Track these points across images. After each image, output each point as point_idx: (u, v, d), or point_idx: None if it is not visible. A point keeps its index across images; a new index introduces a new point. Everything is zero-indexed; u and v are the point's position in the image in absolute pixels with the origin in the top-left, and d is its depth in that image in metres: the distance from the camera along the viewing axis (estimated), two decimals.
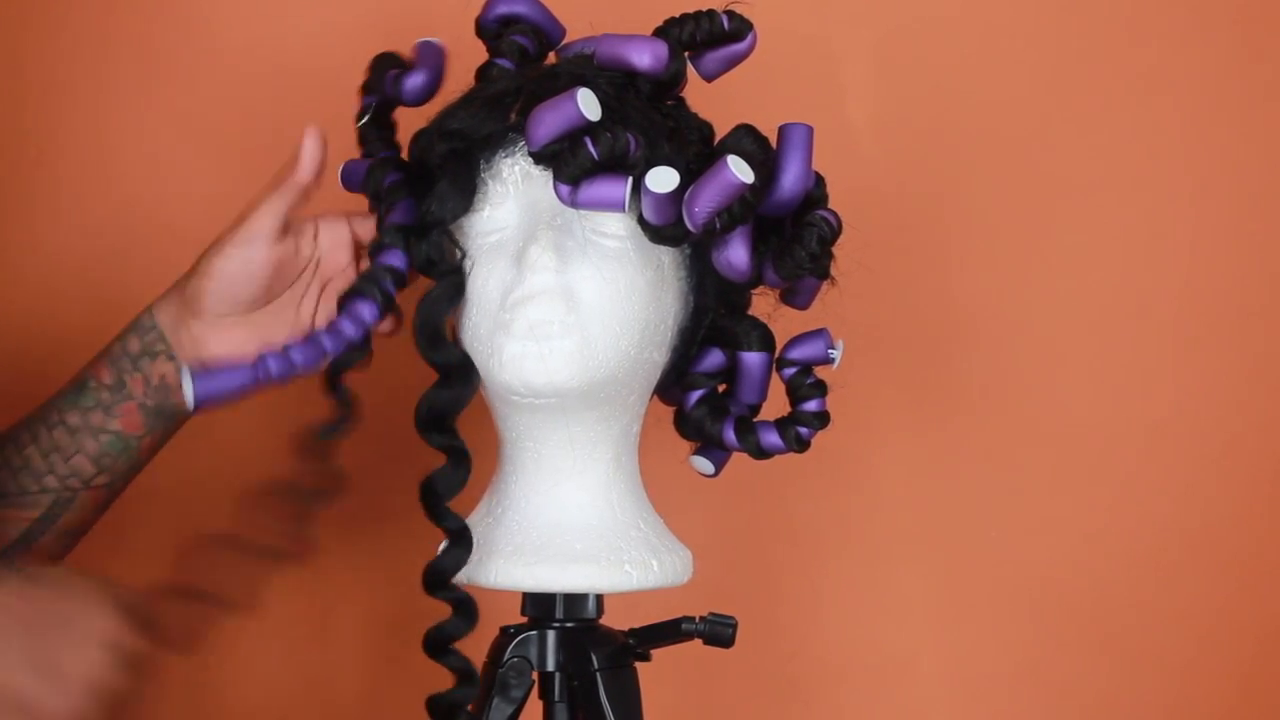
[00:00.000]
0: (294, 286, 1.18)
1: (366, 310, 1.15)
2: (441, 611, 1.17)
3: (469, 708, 1.18)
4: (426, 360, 1.15)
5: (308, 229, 1.18)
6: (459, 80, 1.19)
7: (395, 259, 1.15)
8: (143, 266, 1.52)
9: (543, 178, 1.12)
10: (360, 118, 1.21)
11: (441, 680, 1.18)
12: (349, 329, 1.14)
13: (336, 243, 1.19)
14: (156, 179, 1.52)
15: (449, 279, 1.14)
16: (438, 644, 1.17)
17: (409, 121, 1.20)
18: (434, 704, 1.18)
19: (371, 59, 1.20)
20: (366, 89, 1.21)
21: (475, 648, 1.21)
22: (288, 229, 1.16)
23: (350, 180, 1.21)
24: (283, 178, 1.15)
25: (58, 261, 1.51)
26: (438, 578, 1.16)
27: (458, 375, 1.15)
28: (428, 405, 1.15)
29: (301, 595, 1.53)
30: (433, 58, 1.18)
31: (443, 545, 1.18)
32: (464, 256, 1.15)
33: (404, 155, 1.20)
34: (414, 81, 1.17)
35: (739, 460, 1.24)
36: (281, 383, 1.13)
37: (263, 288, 1.16)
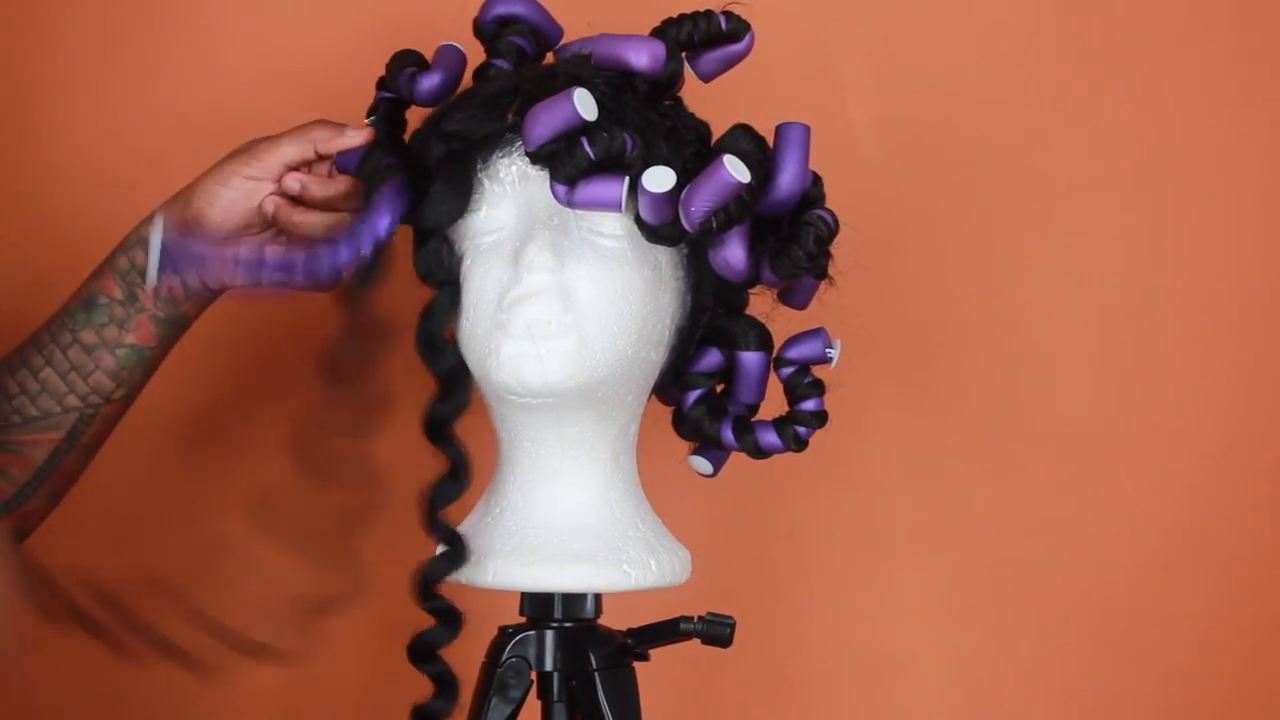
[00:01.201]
0: None
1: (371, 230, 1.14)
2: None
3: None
4: (431, 370, 1.15)
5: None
6: (463, 83, 1.19)
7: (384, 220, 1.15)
8: None
9: (539, 178, 1.13)
10: (371, 113, 1.21)
11: None
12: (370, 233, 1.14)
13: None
14: (156, 179, 1.52)
15: (447, 290, 1.15)
16: (421, 651, 1.17)
17: (419, 121, 1.20)
18: (419, 714, 1.18)
19: (391, 56, 1.21)
20: (382, 85, 1.21)
21: (475, 648, 1.21)
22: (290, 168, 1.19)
23: (344, 162, 1.22)
24: (308, 131, 1.18)
25: (58, 261, 1.51)
26: (425, 586, 1.16)
27: (456, 381, 1.15)
28: (436, 412, 1.16)
29: None
30: (451, 60, 1.19)
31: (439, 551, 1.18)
32: (460, 263, 1.15)
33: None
34: (429, 82, 1.17)
35: (737, 460, 1.24)
36: (250, 282, 1.16)
37: (262, 218, 1.19)
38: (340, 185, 1.19)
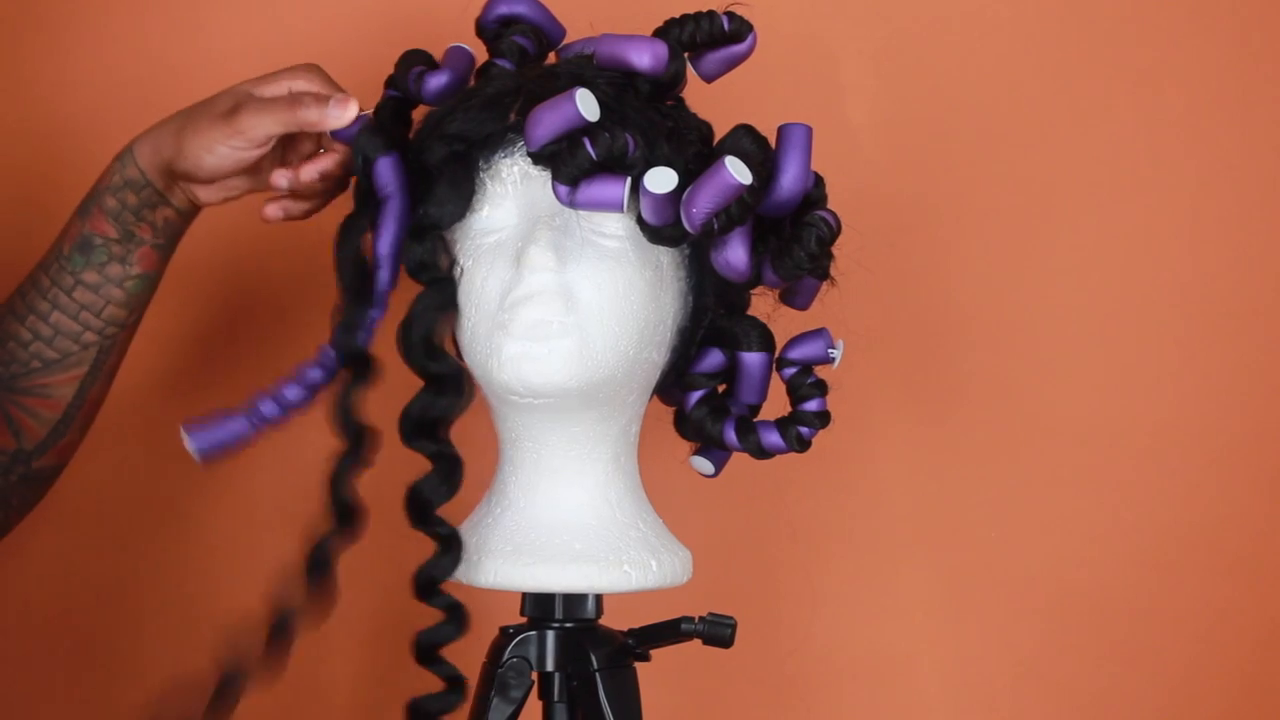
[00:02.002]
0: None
1: (360, 334, 1.14)
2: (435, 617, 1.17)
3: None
4: (416, 369, 1.14)
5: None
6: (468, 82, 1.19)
7: (385, 273, 1.15)
8: None
9: (541, 178, 1.12)
10: (377, 111, 1.21)
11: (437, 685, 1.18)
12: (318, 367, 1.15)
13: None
14: None
15: (439, 286, 1.14)
16: (427, 650, 1.17)
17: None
18: (416, 708, 1.18)
19: (400, 55, 1.20)
20: (390, 83, 1.21)
21: (475, 648, 1.21)
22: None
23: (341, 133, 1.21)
24: (294, 108, 1.16)
25: None
26: (428, 584, 1.16)
27: (450, 383, 1.15)
28: (417, 412, 1.15)
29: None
30: (460, 62, 1.19)
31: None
32: (454, 264, 1.15)
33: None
34: (436, 82, 1.17)
35: (739, 460, 1.24)
36: (281, 423, 1.15)
37: (249, 168, 1.20)
38: (328, 163, 1.20)
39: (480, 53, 1.21)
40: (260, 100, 1.18)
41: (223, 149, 1.17)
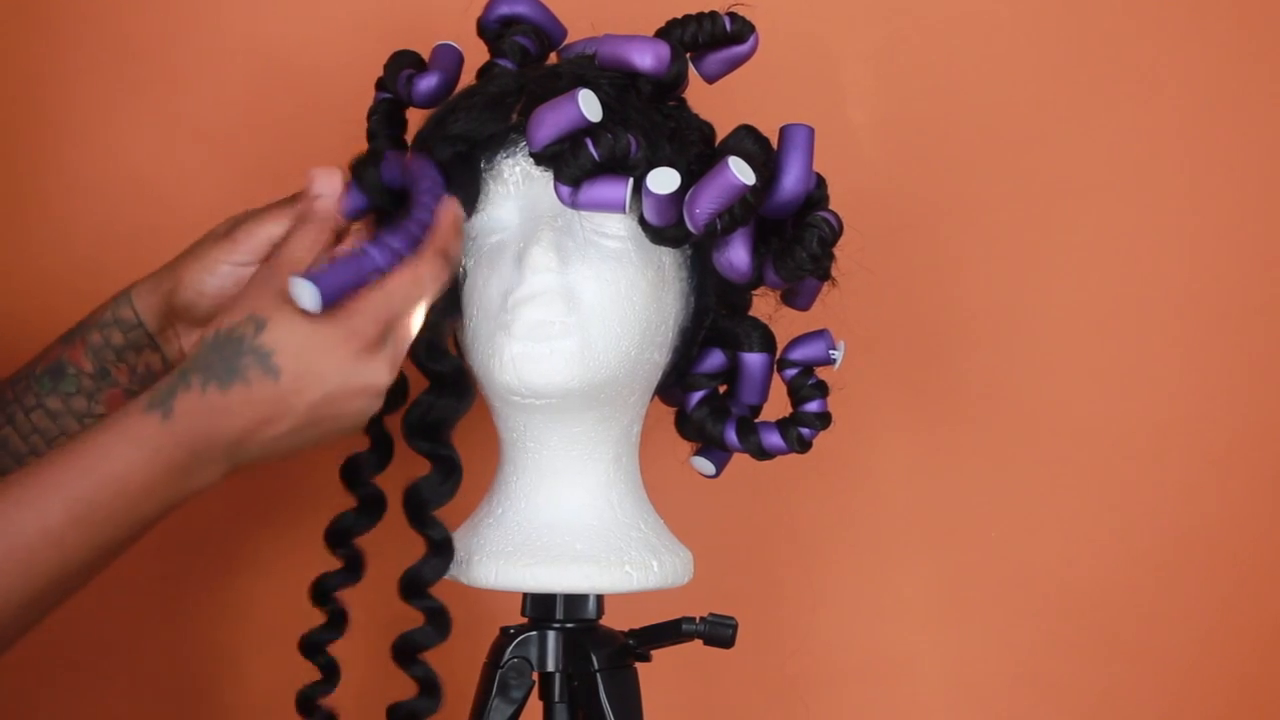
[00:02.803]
0: None
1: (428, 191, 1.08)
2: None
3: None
4: (423, 370, 1.15)
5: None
6: (461, 81, 1.19)
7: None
8: (143, 265, 1.52)
9: (544, 178, 1.12)
10: (371, 114, 1.21)
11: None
12: (424, 210, 1.07)
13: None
14: (155, 179, 1.52)
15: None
16: (405, 652, 1.17)
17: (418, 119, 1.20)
18: (394, 713, 1.17)
19: (389, 56, 1.20)
20: (381, 85, 1.21)
21: (475, 648, 1.21)
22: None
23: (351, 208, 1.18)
24: (286, 204, 1.13)
25: (55, 261, 1.51)
26: (414, 586, 1.16)
27: (454, 384, 1.15)
28: (420, 412, 1.15)
29: (299, 600, 1.53)
30: (448, 61, 1.18)
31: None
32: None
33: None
34: (426, 84, 1.17)
35: (739, 461, 1.24)
36: (387, 270, 1.05)
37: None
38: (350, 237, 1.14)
39: (477, 51, 1.21)
40: (254, 211, 1.15)
41: (224, 267, 1.13)
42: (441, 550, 1.16)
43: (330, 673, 1.19)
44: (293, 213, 1.11)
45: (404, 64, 1.19)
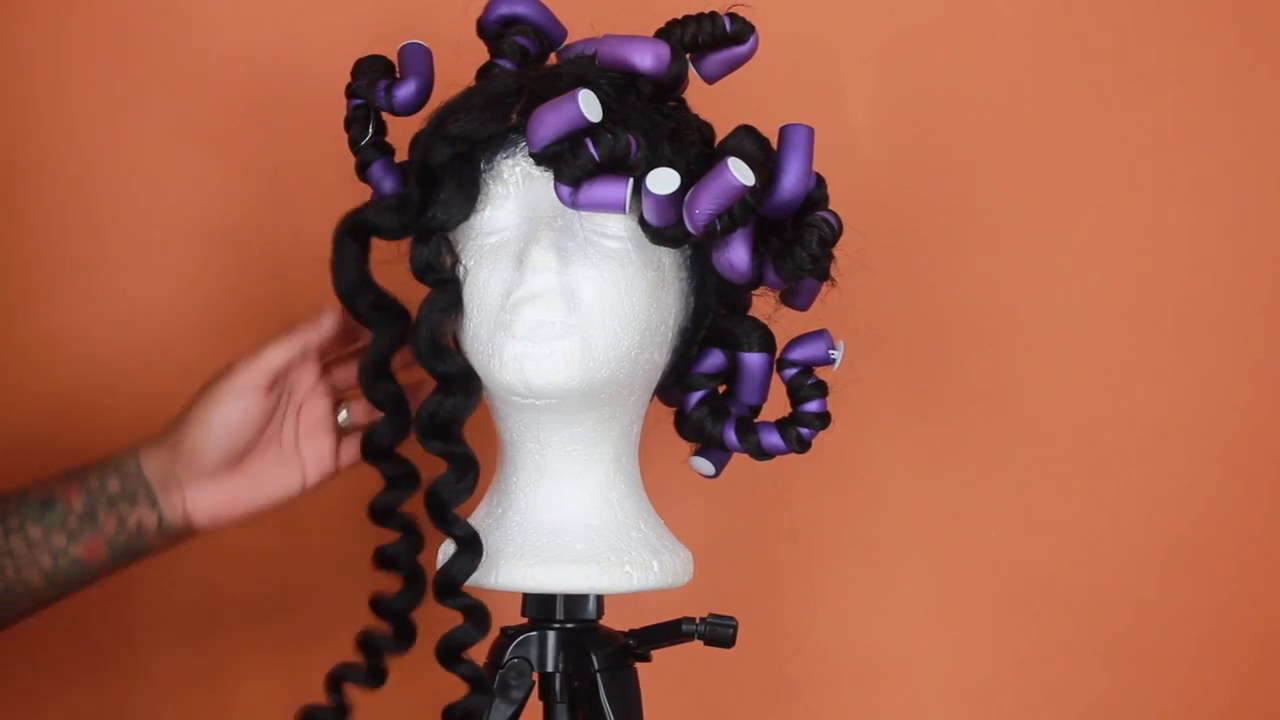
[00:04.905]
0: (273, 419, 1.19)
1: None
2: (448, 616, 1.16)
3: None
4: (429, 370, 1.15)
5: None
6: (460, 82, 1.19)
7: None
8: (142, 265, 1.52)
9: (544, 178, 1.12)
10: (349, 124, 1.20)
11: (444, 683, 1.18)
12: None
13: (301, 364, 1.19)
14: (155, 179, 1.52)
15: (445, 287, 1.14)
16: (450, 652, 1.16)
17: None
18: (450, 713, 1.17)
19: (355, 63, 1.20)
20: (352, 93, 1.20)
21: (475, 648, 1.21)
22: (279, 378, 1.17)
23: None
24: (283, 332, 1.16)
25: (53, 261, 1.51)
26: (448, 585, 1.15)
27: (461, 383, 1.15)
28: (430, 412, 1.15)
29: (306, 602, 1.54)
30: (419, 62, 1.18)
31: (445, 551, 1.18)
32: (456, 263, 1.15)
33: (398, 156, 1.21)
34: (405, 92, 1.17)
35: (739, 461, 1.24)
36: None
37: (259, 432, 1.17)
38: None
39: (476, 51, 1.21)
40: (254, 348, 1.16)
41: (228, 399, 1.15)
42: (469, 547, 1.15)
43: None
44: (288, 340, 1.16)
45: (373, 71, 1.19)
